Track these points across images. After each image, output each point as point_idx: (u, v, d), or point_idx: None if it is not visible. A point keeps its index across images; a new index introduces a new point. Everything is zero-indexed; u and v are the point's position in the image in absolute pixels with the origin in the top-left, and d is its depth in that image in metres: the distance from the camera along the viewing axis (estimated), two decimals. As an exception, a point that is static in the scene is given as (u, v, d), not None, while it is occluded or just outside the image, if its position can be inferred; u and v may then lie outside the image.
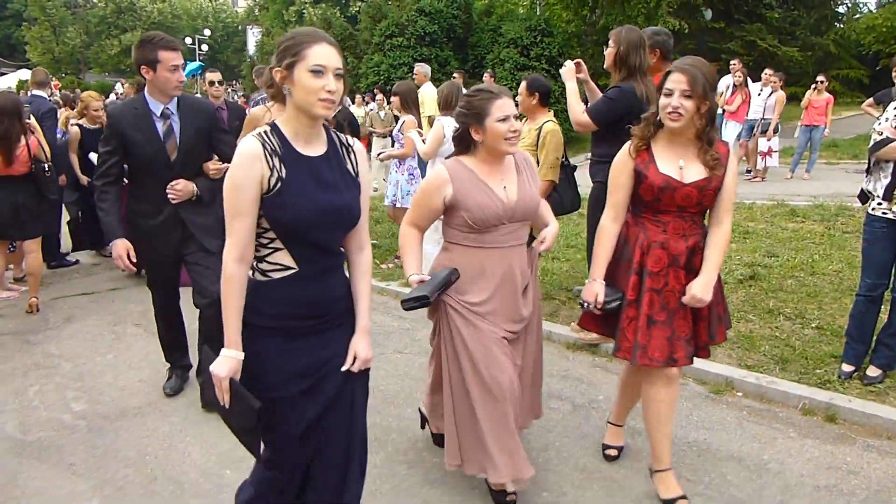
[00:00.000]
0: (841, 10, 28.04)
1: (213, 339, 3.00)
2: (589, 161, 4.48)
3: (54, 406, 3.93)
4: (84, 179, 6.57)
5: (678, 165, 2.68)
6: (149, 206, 3.65)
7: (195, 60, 40.45)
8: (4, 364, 4.53)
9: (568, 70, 4.40)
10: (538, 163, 4.65)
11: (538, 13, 18.72)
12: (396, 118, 6.95)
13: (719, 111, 11.40)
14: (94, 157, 5.98)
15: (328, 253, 2.13)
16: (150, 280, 4.02)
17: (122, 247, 3.55)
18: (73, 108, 9.31)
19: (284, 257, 2.05)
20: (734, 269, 5.77)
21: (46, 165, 5.28)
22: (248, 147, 1.98)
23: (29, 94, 7.38)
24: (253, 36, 41.50)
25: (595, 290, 2.81)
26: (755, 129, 10.85)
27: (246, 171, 1.95)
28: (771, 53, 21.04)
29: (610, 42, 4.30)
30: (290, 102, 2.03)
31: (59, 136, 7.12)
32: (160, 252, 3.76)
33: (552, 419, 3.66)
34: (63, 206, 6.89)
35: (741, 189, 10.18)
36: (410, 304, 2.64)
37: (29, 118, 5.39)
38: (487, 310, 2.74)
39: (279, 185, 1.98)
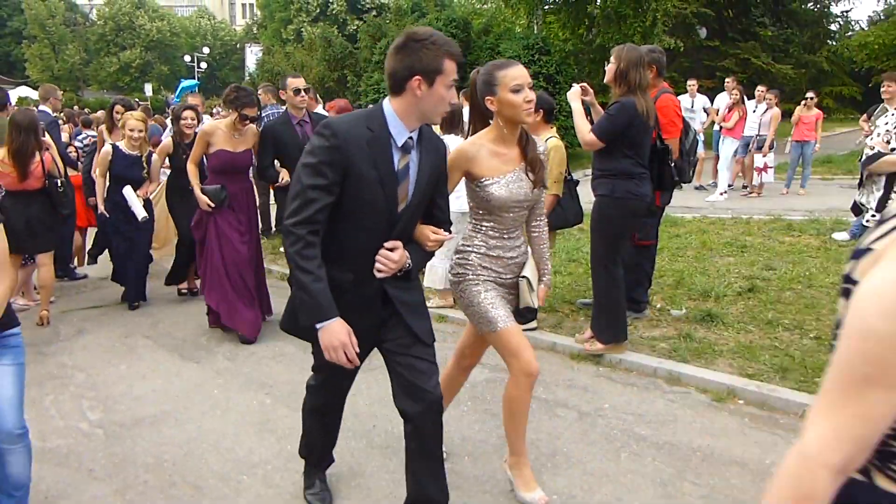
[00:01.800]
0: (833, 27, 28.51)
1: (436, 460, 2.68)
2: (591, 176, 4.60)
3: (70, 415, 4.02)
4: (101, 207, 6.17)
5: None
6: (349, 273, 2.49)
7: (193, 78, 40.78)
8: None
9: (574, 92, 4.53)
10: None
11: (535, 32, 18.95)
12: None
13: (716, 128, 11.62)
14: (129, 193, 5.82)
15: None
16: (320, 372, 2.87)
17: (343, 332, 2.35)
18: (75, 125, 9.45)
19: None
20: (733, 282, 5.90)
21: (59, 181, 5.39)
22: None
23: (38, 108, 7.48)
24: (252, 54, 41.82)
25: None
26: (751, 146, 11.03)
27: None
28: (765, 71, 21.38)
29: (611, 59, 4.44)
30: None
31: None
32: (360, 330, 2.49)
33: (559, 426, 3.76)
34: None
35: (739, 204, 10.41)
36: None
37: (44, 135, 5.51)
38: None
39: None
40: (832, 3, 27.69)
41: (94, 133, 8.15)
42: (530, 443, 3.56)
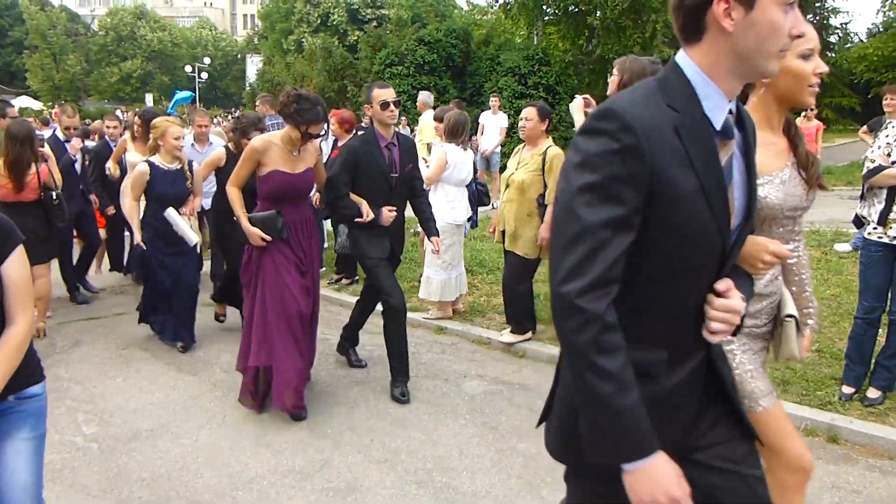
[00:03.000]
0: (832, 39, 28.59)
1: None
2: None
3: (66, 429, 3.98)
4: (138, 236, 5.08)
5: None
6: (661, 350, 1.49)
7: (193, 89, 40.91)
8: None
9: (577, 105, 4.51)
10: (544, 187, 4.76)
11: (536, 43, 19.03)
12: None
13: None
14: (173, 216, 5.00)
15: None
16: None
17: (672, 477, 1.38)
18: (87, 138, 8.40)
19: None
20: (733, 294, 5.85)
21: (54, 193, 5.37)
22: None
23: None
24: (253, 64, 41.99)
25: None
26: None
27: None
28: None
29: (614, 70, 4.41)
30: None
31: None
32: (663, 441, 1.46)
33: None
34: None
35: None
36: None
37: (42, 146, 5.49)
38: None
39: None
40: (831, 16, 27.81)
41: (92, 143, 8.06)
42: (529, 457, 3.54)
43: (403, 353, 4.34)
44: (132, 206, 5.13)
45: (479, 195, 6.15)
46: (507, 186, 5.00)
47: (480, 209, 6.67)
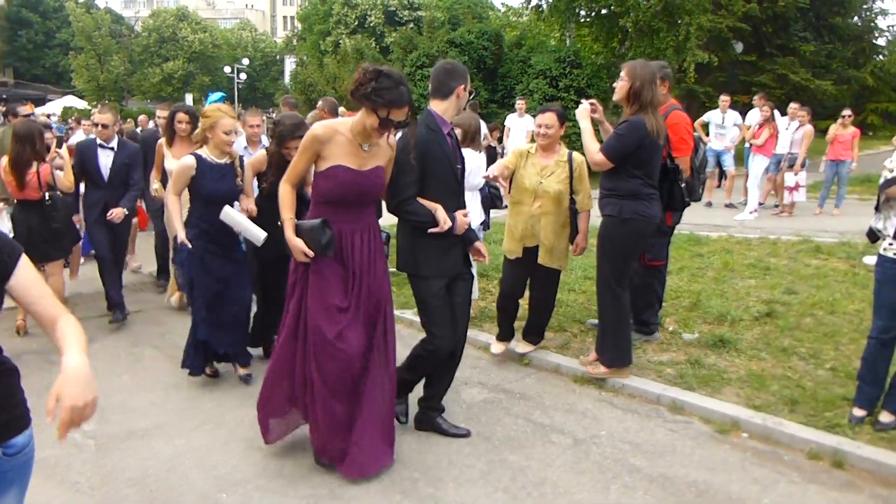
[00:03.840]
0: (881, 42, 27.71)
1: None
2: (598, 195, 4.47)
3: (66, 425, 4.02)
4: (182, 235, 4.33)
5: None
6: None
7: (231, 90, 41.55)
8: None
9: (583, 110, 4.40)
10: (572, 192, 4.60)
11: (568, 45, 18.84)
12: None
13: (746, 145, 11.34)
14: (231, 214, 4.26)
15: None
16: None
17: None
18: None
19: None
20: (751, 306, 5.69)
21: (49, 195, 5.44)
22: None
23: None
24: (290, 65, 42.50)
25: None
26: (782, 164, 10.74)
27: None
28: (803, 87, 20.82)
29: (622, 75, 4.30)
30: None
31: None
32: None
33: (552, 453, 3.64)
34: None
35: (767, 223, 10.09)
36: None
37: (60, 146, 5.61)
38: None
39: None
40: (879, 17, 26.95)
41: None
42: (519, 469, 3.47)
43: (444, 391, 3.91)
44: (174, 203, 4.44)
45: (491, 198, 6.08)
46: (535, 197, 4.57)
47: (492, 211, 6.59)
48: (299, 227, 3.26)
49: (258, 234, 4.22)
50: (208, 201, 4.34)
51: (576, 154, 4.69)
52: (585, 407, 4.22)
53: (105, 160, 5.97)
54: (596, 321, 5.33)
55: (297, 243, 3.23)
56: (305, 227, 3.25)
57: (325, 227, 3.21)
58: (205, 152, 4.39)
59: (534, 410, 4.18)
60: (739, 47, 21.06)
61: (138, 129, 11.92)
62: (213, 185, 4.34)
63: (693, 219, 9.70)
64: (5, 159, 5.24)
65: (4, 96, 35.62)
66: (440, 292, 3.55)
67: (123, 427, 4.01)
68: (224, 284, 4.47)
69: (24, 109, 7.05)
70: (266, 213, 4.38)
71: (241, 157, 4.62)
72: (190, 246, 4.27)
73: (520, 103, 12.26)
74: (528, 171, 4.64)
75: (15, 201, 5.36)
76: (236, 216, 4.28)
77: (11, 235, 5.15)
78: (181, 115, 5.95)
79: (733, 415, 3.89)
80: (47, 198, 5.42)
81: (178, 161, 5.31)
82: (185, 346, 4.61)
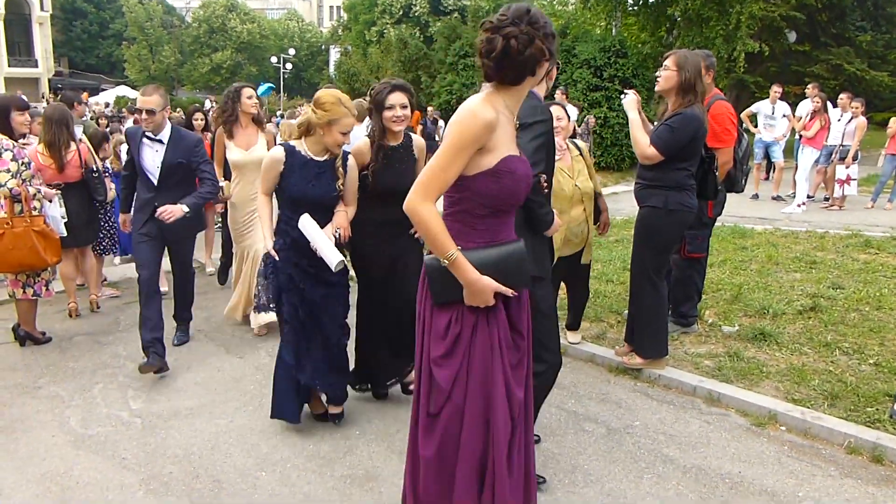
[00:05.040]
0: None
1: None
2: (635, 185, 4.43)
3: (115, 403, 4.20)
4: (269, 244, 3.60)
5: None
6: None
7: (278, 80, 42.07)
8: (75, 363, 4.86)
9: (631, 101, 4.32)
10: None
11: (613, 34, 18.59)
12: None
13: (796, 136, 11.06)
14: (309, 226, 3.49)
15: None
16: None
17: None
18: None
19: None
20: (795, 300, 5.58)
21: (94, 168, 5.67)
22: None
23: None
24: (335, 55, 42.86)
25: None
26: (833, 156, 10.45)
27: None
28: (859, 77, 20.12)
29: (669, 65, 4.18)
30: None
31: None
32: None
33: (585, 441, 3.66)
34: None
35: (817, 217, 9.85)
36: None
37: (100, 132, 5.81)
38: None
39: None
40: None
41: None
42: (551, 456, 3.50)
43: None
44: (264, 203, 3.70)
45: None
46: (573, 202, 4.32)
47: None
48: (486, 260, 2.22)
49: (332, 258, 3.44)
50: (297, 206, 3.56)
51: (572, 142, 4.54)
52: (620, 397, 4.22)
53: (152, 158, 4.59)
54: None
55: (488, 283, 2.20)
56: (504, 256, 2.26)
57: (525, 251, 2.32)
58: (300, 144, 3.59)
59: (568, 399, 4.19)
60: (792, 36, 20.44)
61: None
62: (302, 186, 3.53)
63: (738, 211, 9.55)
64: (40, 145, 5.40)
65: (60, 86, 36.86)
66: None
67: (168, 406, 4.16)
68: (315, 310, 3.66)
69: (84, 97, 7.30)
70: (372, 215, 3.73)
71: (345, 154, 3.66)
72: (277, 258, 3.58)
73: (559, 95, 12.16)
74: (561, 178, 4.26)
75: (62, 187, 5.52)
76: (312, 228, 3.49)
77: (64, 221, 5.38)
78: (248, 91, 5.38)
79: (771, 408, 3.84)
80: (94, 171, 5.62)
81: (242, 151, 5.31)
82: (272, 388, 3.81)
